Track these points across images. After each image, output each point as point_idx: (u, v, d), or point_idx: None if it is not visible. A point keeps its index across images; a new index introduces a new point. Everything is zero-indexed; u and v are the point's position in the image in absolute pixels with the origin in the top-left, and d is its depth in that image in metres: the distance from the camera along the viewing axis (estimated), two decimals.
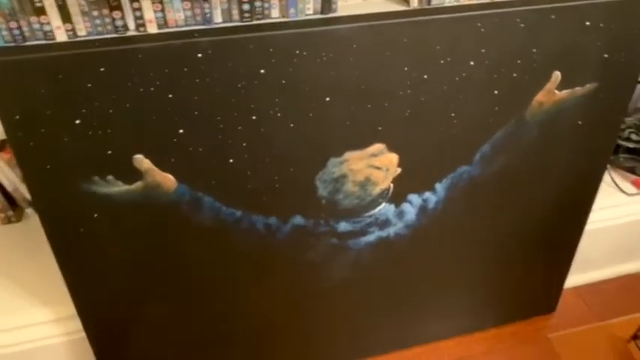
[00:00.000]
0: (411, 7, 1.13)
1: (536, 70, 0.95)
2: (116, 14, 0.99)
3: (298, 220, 1.00)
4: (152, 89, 0.79)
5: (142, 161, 0.85)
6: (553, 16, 0.90)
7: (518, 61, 0.94)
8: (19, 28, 0.95)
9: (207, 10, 1.03)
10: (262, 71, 0.82)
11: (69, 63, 0.74)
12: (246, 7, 1.05)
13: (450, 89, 0.92)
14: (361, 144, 0.94)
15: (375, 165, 0.97)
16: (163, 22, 1.02)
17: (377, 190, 1.01)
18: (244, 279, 1.07)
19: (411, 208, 1.06)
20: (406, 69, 0.88)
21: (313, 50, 0.82)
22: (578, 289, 1.53)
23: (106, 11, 0.98)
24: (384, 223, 1.07)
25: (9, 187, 1.27)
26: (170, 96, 0.80)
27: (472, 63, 0.91)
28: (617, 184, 1.41)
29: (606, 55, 0.98)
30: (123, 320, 1.06)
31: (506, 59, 0.93)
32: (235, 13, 1.05)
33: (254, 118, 0.86)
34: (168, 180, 0.88)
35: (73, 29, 0.98)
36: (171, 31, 1.03)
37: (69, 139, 0.80)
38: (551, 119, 1.02)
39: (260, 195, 0.95)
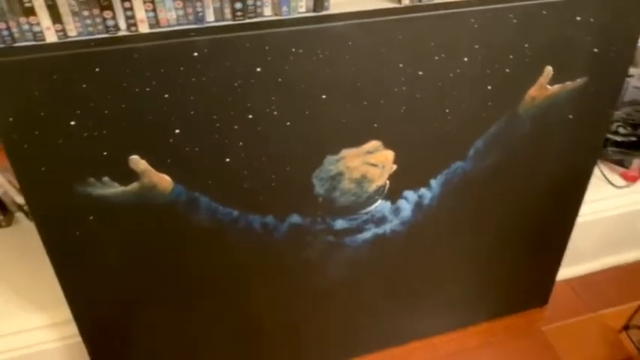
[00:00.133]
0: (402, 5, 1.13)
1: (528, 65, 0.96)
2: (107, 14, 0.98)
3: (295, 218, 1.00)
4: (148, 89, 0.78)
5: (138, 162, 0.84)
6: (545, 12, 0.91)
7: (511, 57, 0.94)
8: (9, 29, 0.94)
9: (199, 9, 1.03)
10: (258, 69, 0.82)
11: (63, 63, 0.73)
12: (238, 5, 1.04)
13: (445, 85, 0.93)
14: (357, 141, 0.94)
15: (371, 162, 0.98)
16: (155, 22, 1.01)
17: (373, 187, 1.01)
18: (241, 279, 1.06)
19: (406, 205, 1.07)
20: (401, 66, 0.89)
21: (309, 48, 0.82)
22: (570, 282, 1.55)
23: (96, 11, 0.97)
24: (380, 220, 1.07)
25: None
26: (166, 96, 0.79)
27: (466, 59, 0.92)
28: (606, 177, 1.43)
29: (596, 50, 0.99)
30: (119, 324, 1.05)
31: (499, 55, 0.93)
32: (228, 12, 1.05)
33: (250, 117, 0.86)
34: (164, 181, 0.87)
35: (64, 30, 0.97)
36: (164, 30, 1.02)
37: (64, 141, 0.79)
38: (543, 114, 1.04)
39: (257, 194, 0.95)
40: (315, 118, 0.89)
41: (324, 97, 0.87)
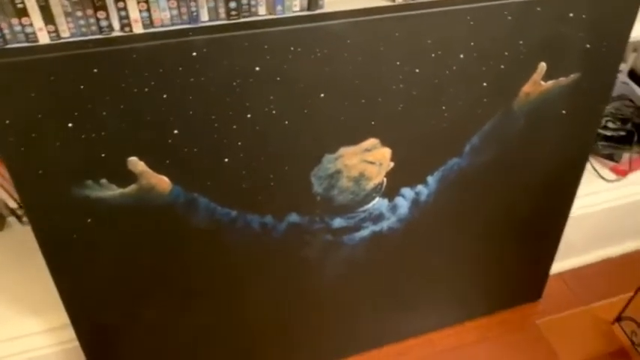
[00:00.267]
0: (396, 3, 1.14)
1: (522, 61, 0.97)
2: (101, 14, 0.97)
3: (294, 217, 1.00)
4: (146, 90, 0.77)
5: (136, 163, 0.83)
6: (539, 8, 0.92)
7: (506, 53, 0.95)
8: (0, 30, 0.92)
9: (193, 9, 1.02)
10: (257, 69, 0.81)
11: (62, 65, 0.72)
12: (232, 4, 1.03)
13: (441, 82, 0.94)
14: (355, 139, 0.94)
15: (368, 160, 0.98)
16: (149, 22, 1.00)
17: (371, 185, 1.02)
18: (240, 279, 1.06)
19: (404, 202, 1.07)
20: (398, 63, 0.89)
21: (307, 47, 0.82)
22: (562, 275, 1.57)
23: (90, 11, 0.96)
24: (378, 218, 1.07)
25: None
26: (165, 96, 0.79)
27: (462, 56, 0.92)
28: (597, 171, 1.45)
29: (588, 46, 1.01)
30: (117, 327, 1.04)
31: (495, 51, 0.94)
32: (222, 11, 1.04)
33: (249, 116, 0.86)
34: (162, 182, 0.87)
35: (57, 31, 0.95)
36: (159, 30, 1.01)
37: (61, 143, 0.78)
38: (537, 109, 1.05)
39: (255, 194, 0.95)
40: (313, 116, 0.89)
41: (322, 95, 0.87)
